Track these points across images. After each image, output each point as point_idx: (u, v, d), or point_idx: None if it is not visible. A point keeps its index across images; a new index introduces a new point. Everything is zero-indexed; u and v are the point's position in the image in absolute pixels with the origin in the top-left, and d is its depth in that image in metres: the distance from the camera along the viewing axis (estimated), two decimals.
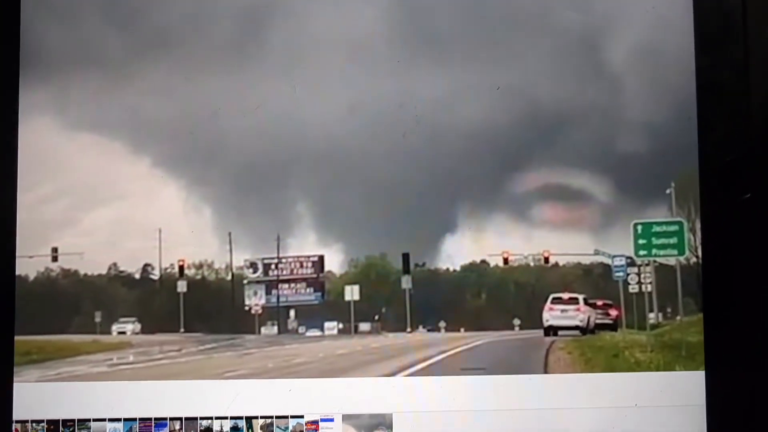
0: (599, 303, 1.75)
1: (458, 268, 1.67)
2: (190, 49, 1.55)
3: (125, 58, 1.54)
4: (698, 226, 1.48)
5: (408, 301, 1.69)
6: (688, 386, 1.47)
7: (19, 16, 1.48)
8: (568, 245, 1.61)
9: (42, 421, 1.46)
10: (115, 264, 1.61)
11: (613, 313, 1.73)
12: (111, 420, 1.46)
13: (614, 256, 1.64)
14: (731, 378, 1.43)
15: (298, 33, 1.55)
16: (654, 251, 1.61)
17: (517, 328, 1.76)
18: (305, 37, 1.55)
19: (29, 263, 1.50)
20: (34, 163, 1.49)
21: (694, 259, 1.55)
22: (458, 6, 1.55)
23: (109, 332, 1.65)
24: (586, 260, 1.63)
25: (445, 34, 1.56)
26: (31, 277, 1.53)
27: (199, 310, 1.74)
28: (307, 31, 1.55)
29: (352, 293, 1.73)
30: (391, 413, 1.48)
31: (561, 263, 1.65)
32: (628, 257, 1.63)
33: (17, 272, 1.47)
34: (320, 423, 1.47)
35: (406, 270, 1.64)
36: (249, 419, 1.47)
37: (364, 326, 1.77)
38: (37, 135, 1.50)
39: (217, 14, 1.55)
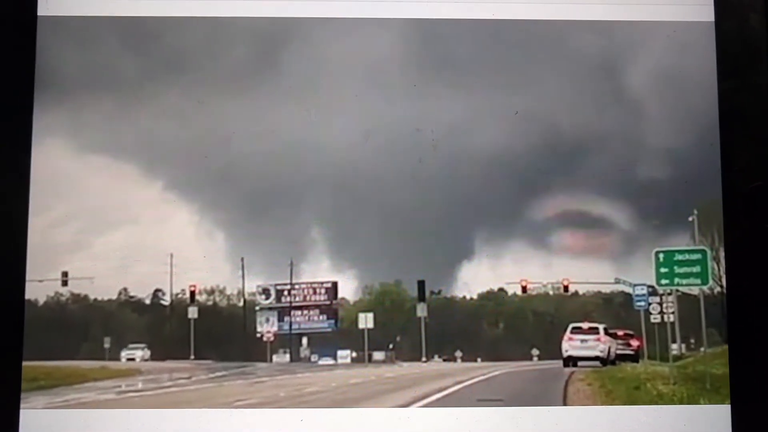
0: (620, 333, 1.74)
1: (475, 296, 1.66)
2: (205, 72, 1.54)
3: (139, 81, 1.54)
4: (722, 254, 1.45)
5: (423, 330, 1.68)
6: (713, 420, 1.43)
7: (35, 38, 1.48)
8: (588, 273, 1.59)
9: None
10: (125, 289, 1.60)
11: (635, 343, 1.72)
12: None
13: (635, 285, 1.62)
14: (758, 412, 1.40)
15: (313, 57, 1.55)
16: (676, 280, 1.59)
17: (535, 359, 1.74)
18: (320, 61, 1.55)
19: (39, 287, 1.49)
20: (46, 185, 1.48)
21: (718, 289, 1.53)
22: (475, 30, 1.54)
23: (118, 358, 1.65)
24: (607, 289, 1.61)
25: (462, 58, 1.55)
26: (41, 301, 1.52)
27: (210, 336, 1.72)
28: (322, 56, 1.55)
29: (366, 321, 1.72)
30: None
31: (581, 292, 1.63)
32: (649, 286, 1.62)
33: (27, 296, 1.45)
34: None
35: (422, 298, 1.63)
36: None
37: (378, 355, 1.77)
38: (50, 157, 1.49)
39: (232, 38, 1.55)
